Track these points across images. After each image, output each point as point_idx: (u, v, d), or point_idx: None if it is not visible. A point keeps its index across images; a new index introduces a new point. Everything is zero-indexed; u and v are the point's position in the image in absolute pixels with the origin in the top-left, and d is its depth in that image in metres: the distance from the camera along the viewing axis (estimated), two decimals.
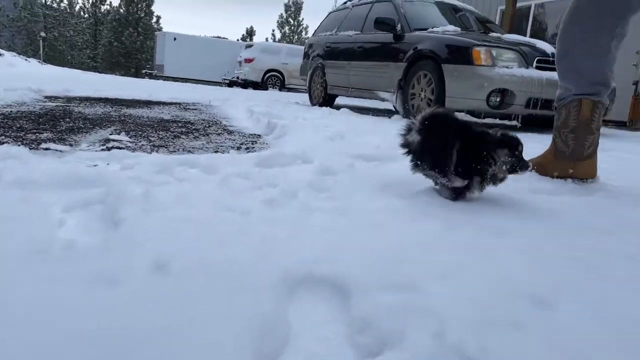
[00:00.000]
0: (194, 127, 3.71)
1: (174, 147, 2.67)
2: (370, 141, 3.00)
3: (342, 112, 5.76)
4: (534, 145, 2.51)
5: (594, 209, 1.60)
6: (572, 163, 1.98)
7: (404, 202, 1.54)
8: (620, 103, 5.68)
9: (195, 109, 5.60)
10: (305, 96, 8.43)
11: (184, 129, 3.54)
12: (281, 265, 0.95)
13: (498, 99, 4.89)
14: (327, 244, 1.10)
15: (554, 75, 4.94)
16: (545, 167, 2.04)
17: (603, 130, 2.12)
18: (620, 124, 7.92)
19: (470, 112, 5.74)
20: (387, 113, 6.86)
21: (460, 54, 5.05)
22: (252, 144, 3.04)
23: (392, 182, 1.83)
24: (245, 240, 1.06)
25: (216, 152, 2.59)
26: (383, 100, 6.46)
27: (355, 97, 7.32)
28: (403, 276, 0.96)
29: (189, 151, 2.57)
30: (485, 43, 5.08)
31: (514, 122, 6.48)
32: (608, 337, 0.77)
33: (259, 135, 3.49)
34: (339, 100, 8.43)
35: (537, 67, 4.99)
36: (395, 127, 4.76)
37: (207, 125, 3.93)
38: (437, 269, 1.01)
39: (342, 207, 1.45)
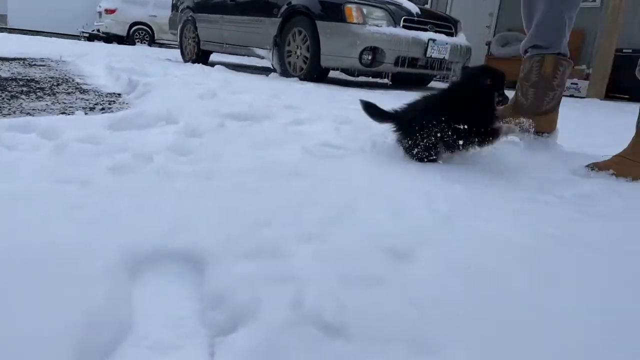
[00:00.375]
0: (38, 86, 3.19)
1: (9, 110, 2.26)
2: (244, 99, 2.86)
3: (216, 69, 5.45)
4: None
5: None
6: (530, 117, 1.88)
7: (273, 161, 1.47)
8: (475, 62, 6.22)
9: (44, 65, 4.85)
10: (179, 53, 7.83)
11: (25, 88, 3.03)
12: (122, 243, 0.82)
13: (370, 57, 5.01)
14: (182, 213, 0.99)
15: (418, 34, 5.22)
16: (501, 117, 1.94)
17: None
18: None
19: (344, 70, 5.81)
20: (266, 71, 6.69)
21: (333, 11, 5.04)
22: (110, 104, 2.71)
23: (263, 141, 1.75)
24: (79, 216, 0.90)
25: (63, 113, 2.24)
26: (260, 57, 6.25)
27: (230, 53, 6.98)
28: (265, 242, 0.90)
29: (28, 113, 2.20)
30: (357, 0, 5.12)
31: (386, 80, 6.76)
32: (460, 285, 0.80)
33: (119, 95, 3.13)
34: (215, 57, 7.99)
35: (404, 26, 5.19)
36: (271, 85, 4.64)
37: (55, 84, 3.41)
38: (302, 230, 0.97)
39: (205, 170, 1.33)
